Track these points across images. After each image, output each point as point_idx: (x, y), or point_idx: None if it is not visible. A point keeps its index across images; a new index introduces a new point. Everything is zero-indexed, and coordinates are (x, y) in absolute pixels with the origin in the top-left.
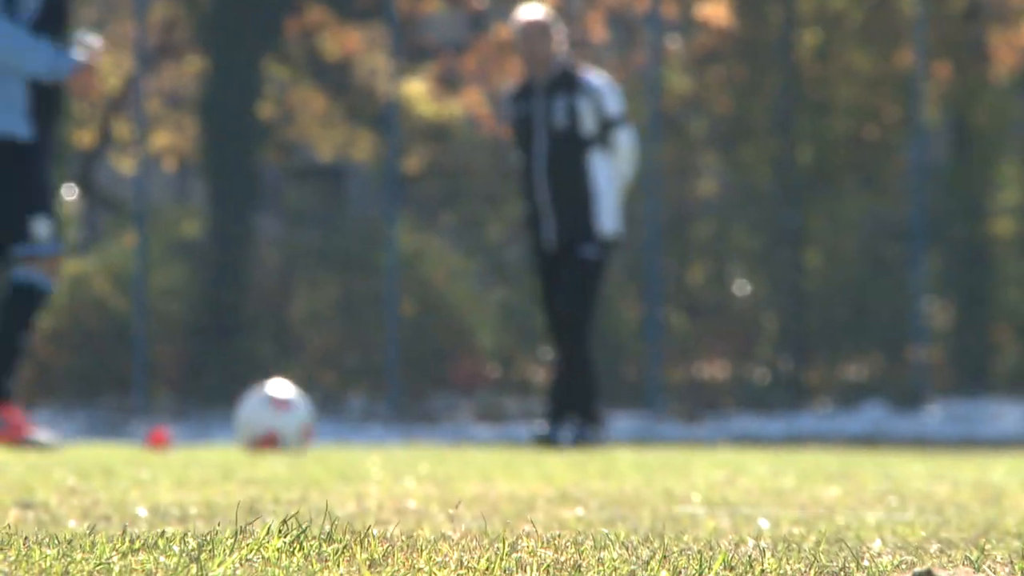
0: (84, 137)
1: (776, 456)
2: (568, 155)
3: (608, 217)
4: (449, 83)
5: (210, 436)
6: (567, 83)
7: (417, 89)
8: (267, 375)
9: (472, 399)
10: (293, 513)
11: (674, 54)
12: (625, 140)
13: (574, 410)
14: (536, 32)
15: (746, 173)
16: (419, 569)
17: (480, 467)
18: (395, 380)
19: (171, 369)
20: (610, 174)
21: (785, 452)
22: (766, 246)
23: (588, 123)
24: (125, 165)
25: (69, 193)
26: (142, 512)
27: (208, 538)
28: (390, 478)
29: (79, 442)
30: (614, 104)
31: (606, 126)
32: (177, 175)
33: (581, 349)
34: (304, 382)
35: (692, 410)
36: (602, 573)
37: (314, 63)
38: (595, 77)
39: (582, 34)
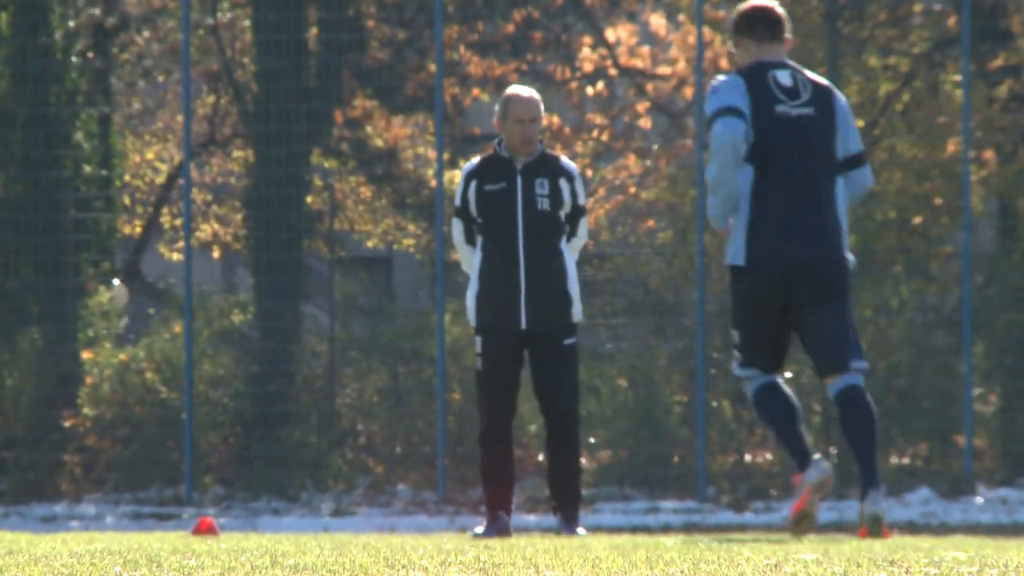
0: (131, 227)
1: (823, 543)
2: (546, 238)
3: (578, 303)
4: None
5: (257, 525)
6: (547, 164)
7: None
8: (315, 465)
9: (519, 487)
10: None
11: None
12: (585, 228)
13: (574, 503)
14: (533, 109)
15: None
16: None
17: (526, 555)
18: (442, 468)
19: (218, 458)
20: (572, 259)
21: (832, 539)
22: None
23: (566, 207)
24: (172, 255)
25: (114, 286)
26: None
27: None
28: (436, 566)
29: (126, 531)
30: (583, 191)
31: (576, 212)
32: (224, 264)
33: (578, 440)
34: (352, 471)
35: (740, 497)
36: None
37: (361, 152)
38: (570, 162)
39: (629, 122)
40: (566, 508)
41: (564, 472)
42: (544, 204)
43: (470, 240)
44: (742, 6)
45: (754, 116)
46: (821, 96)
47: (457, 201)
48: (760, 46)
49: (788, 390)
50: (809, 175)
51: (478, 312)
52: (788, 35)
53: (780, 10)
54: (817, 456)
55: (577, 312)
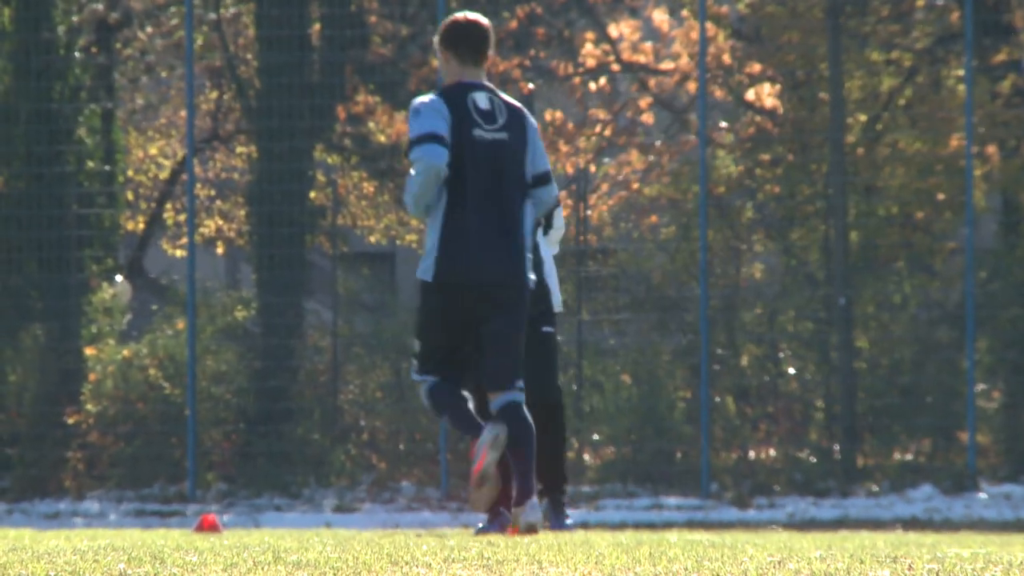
0: (134, 223)
1: (827, 539)
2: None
3: (556, 293)
4: None
5: (260, 522)
6: None
7: None
8: (318, 461)
9: None
10: None
11: (723, 138)
12: (561, 218)
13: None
14: None
15: (795, 256)
16: None
17: (530, 551)
18: (445, 465)
19: (221, 455)
20: (548, 251)
21: (836, 535)
22: (816, 329)
23: None
24: (175, 251)
25: (117, 282)
26: None
27: None
28: (440, 562)
29: (129, 528)
30: (556, 186)
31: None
32: (227, 260)
33: (563, 428)
34: (355, 467)
35: (743, 494)
36: None
37: (364, 148)
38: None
39: (632, 117)
40: (554, 494)
41: (552, 457)
42: None
43: None
44: (451, 18)
45: (452, 139)
46: (515, 120)
47: None
48: (463, 67)
49: (457, 387)
50: (501, 199)
51: None
52: (490, 52)
53: (486, 27)
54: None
55: (557, 302)
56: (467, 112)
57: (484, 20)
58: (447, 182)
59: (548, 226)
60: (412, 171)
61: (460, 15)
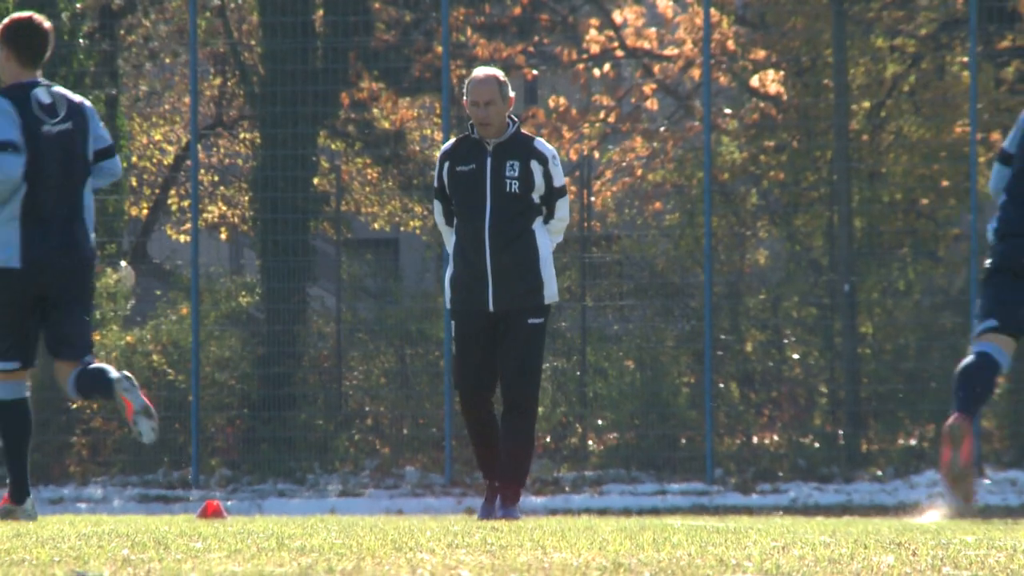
0: (138, 208)
1: (830, 525)
2: (514, 220)
3: (550, 285)
4: None
5: (264, 507)
6: (519, 146)
7: None
8: (322, 447)
9: None
10: None
11: (727, 124)
12: (566, 210)
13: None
14: (492, 89)
15: (800, 242)
16: None
17: (534, 536)
18: (449, 450)
19: (225, 440)
20: (549, 242)
21: (840, 520)
22: (820, 315)
23: (538, 189)
24: (179, 236)
25: (121, 268)
26: None
27: None
28: (443, 548)
29: (133, 513)
30: (561, 172)
31: (552, 194)
32: (231, 246)
33: (531, 422)
34: (358, 453)
35: (747, 479)
36: None
37: (367, 134)
38: (545, 144)
39: (636, 103)
40: (506, 489)
41: (512, 453)
42: (514, 186)
43: (449, 222)
44: (12, 18)
45: (24, 138)
46: (74, 110)
47: (435, 182)
48: (23, 67)
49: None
50: (70, 187)
51: (451, 295)
52: (48, 53)
53: (47, 29)
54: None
55: (550, 294)
56: (32, 110)
57: (45, 22)
58: (25, 177)
59: (549, 215)
60: None
61: (22, 15)
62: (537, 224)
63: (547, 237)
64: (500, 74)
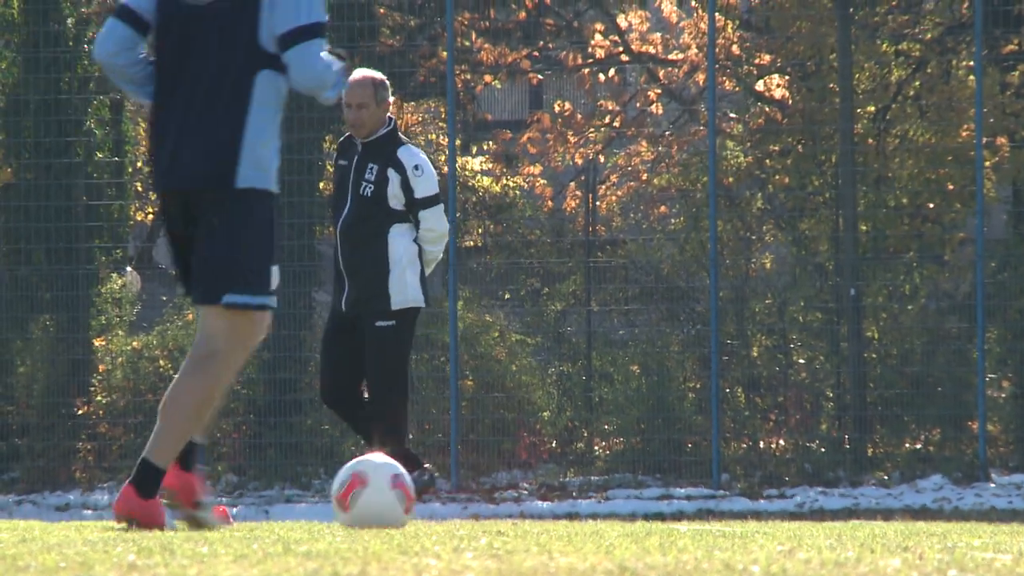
0: (143, 213)
1: (837, 528)
2: (367, 224)
3: (402, 291)
4: (507, 159)
5: (270, 513)
6: (382, 151)
7: (475, 165)
8: (328, 452)
9: (532, 474)
10: None
11: (732, 128)
12: (435, 222)
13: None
14: (365, 92)
15: (805, 247)
16: None
17: (540, 541)
18: (455, 455)
19: (231, 446)
20: (409, 249)
21: (846, 525)
22: (826, 319)
23: (396, 195)
24: None
25: (127, 273)
26: None
27: None
28: (449, 552)
29: None
30: (428, 183)
31: (414, 204)
32: None
33: (383, 424)
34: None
35: (754, 484)
36: None
37: None
38: (413, 152)
39: (641, 108)
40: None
41: (375, 439)
42: (367, 190)
43: None
44: None
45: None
46: None
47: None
48: None
49: None
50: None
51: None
52: None
53: None
54: None
55: (401, 300)
56: None
57: None
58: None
59: (417, 225)
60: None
61: None
62: (397, 230)
63: (409, 244)
64: (377, 76)
